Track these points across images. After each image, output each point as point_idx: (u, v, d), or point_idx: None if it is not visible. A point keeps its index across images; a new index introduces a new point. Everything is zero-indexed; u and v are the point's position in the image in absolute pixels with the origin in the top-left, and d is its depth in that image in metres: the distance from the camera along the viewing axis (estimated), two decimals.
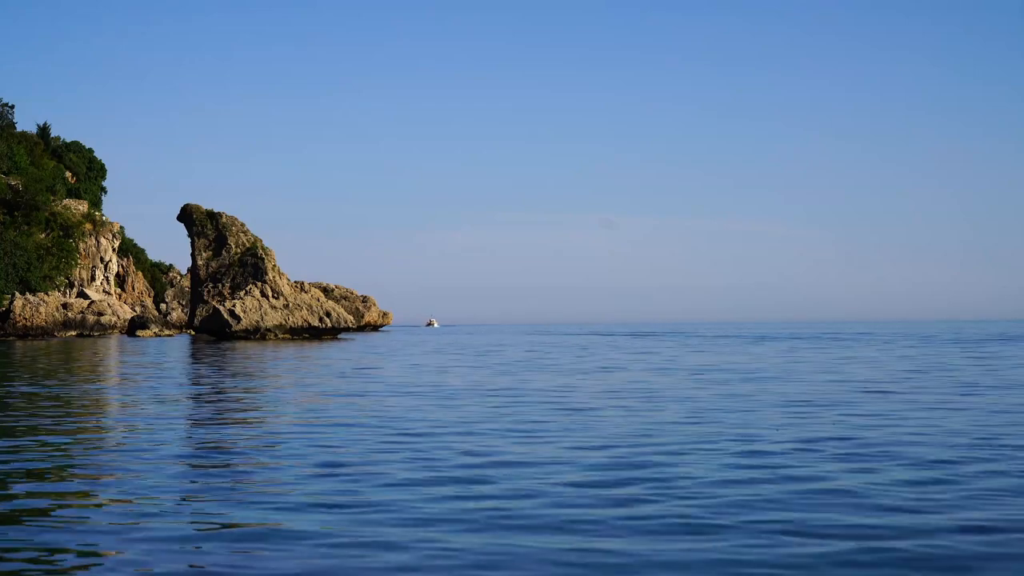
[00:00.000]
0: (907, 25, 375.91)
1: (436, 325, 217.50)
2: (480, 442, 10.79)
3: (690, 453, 9.80)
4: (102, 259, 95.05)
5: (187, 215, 77.37)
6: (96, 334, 78.92)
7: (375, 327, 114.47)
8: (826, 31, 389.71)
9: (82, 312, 79.82)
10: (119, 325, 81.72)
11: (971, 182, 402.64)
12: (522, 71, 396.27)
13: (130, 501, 7.58)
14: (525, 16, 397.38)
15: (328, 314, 70.34)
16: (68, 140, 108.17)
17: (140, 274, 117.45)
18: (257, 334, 66.61)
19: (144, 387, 19.87)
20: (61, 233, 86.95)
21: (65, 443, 10.92)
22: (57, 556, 6.07)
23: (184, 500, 7.67)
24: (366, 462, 9.36)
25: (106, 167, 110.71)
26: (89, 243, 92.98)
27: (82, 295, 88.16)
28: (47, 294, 79.90)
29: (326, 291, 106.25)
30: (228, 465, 9.40)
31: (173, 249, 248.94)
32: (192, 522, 6.90)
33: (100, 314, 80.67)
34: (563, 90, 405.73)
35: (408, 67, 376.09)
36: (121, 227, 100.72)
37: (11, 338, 70.76)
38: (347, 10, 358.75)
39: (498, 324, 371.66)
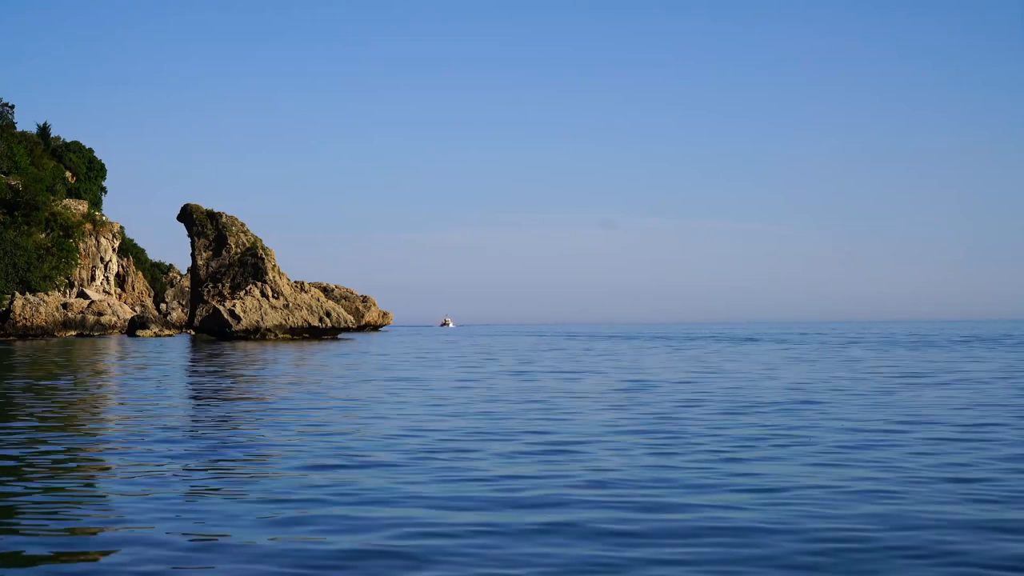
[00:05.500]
0: (907, 25, 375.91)
1: (451, 325, 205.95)
2: None
3: None
4: (102, 259, 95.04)
5: (187, 215, 77.31)
6: (96, 334, 78.87)
7: (375, 327, 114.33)
8: (826, 31, 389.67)
9: (82, 312, 79.77)
10: (119, 325, 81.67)
11: (971, 182, 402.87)
12: (522, 71, 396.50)
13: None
14: (525, 16, 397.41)
15: (328, 314, 70.31)
16: (68, 140, 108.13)
17: (140, 274, 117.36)
18: (257, 334, 66.60)
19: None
20: (61, 233, 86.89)
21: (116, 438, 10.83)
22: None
23: None
24: None
25: (106, 167, 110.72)
26: (89, 243, 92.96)
27: (82, 295, 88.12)
28: (47, 294, 79.84)
29: (326, 291, 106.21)
30: None
31: (173, 249, 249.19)
32: None
33: (100, 314, 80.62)
34: (563, 90, 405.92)
35: (408, 67, 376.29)
36: (121, 227, 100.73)
37: (11, 338, 70.71)
38: (347, 10, 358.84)
39: (507, 324, 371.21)
